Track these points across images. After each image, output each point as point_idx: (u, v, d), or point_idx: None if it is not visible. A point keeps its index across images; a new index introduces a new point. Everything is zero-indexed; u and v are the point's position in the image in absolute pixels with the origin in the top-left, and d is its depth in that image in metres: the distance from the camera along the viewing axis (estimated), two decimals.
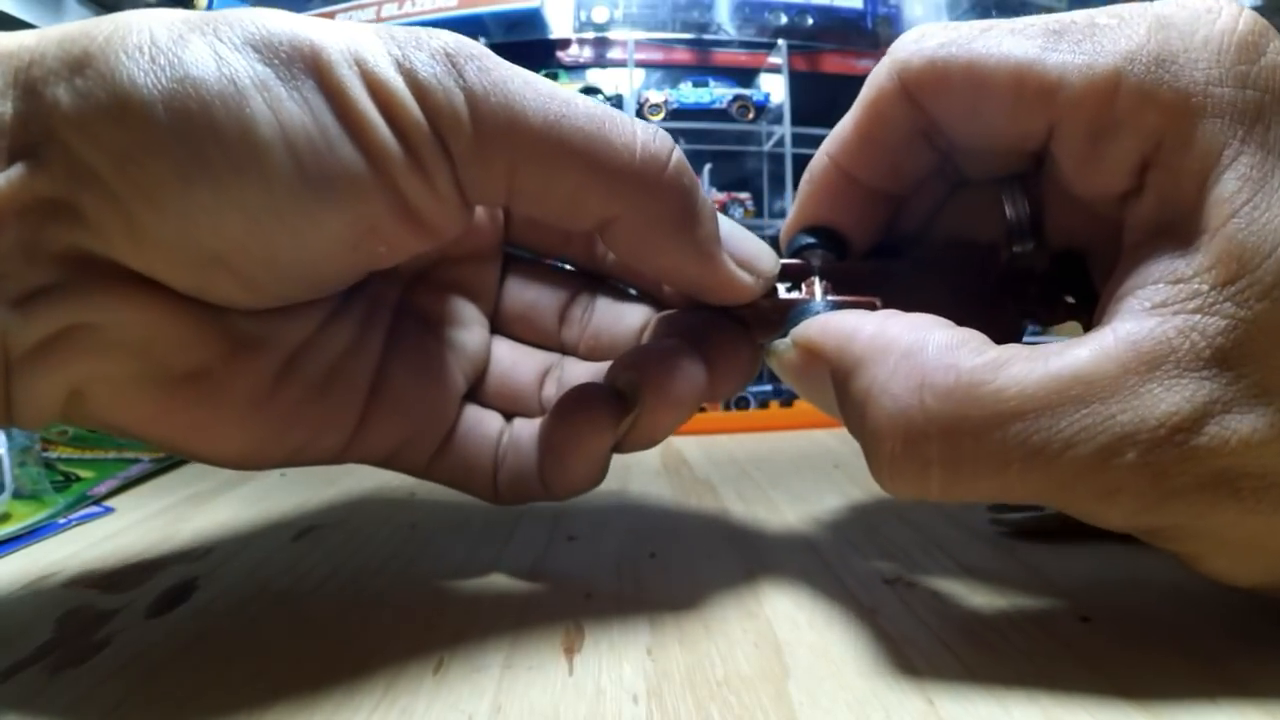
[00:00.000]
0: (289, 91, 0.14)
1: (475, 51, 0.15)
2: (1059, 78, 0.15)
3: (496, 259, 0.22)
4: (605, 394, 0.19)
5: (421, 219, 0.15)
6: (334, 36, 0.14)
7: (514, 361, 0.22)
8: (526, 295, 0.22)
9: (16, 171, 0.13)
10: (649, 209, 0.16)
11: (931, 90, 0.17)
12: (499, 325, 0.22)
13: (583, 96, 0.16)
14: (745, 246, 0.18)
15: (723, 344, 0.19)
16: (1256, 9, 0.15)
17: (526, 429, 0.20)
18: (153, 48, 0.13)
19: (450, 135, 0.14)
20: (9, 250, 0.13)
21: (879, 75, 0.17)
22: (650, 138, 0.16)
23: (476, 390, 0.21)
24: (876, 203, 0.19)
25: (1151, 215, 0.15)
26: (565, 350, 0.22)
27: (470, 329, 0.21)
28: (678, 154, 0.16)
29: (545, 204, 0.16)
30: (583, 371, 0.21)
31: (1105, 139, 0.15)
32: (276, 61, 0.14)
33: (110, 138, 0.13)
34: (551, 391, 0.21)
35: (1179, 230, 0.14)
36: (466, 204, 0.16)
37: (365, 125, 0.14)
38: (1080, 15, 0.15)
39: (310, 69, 0.14)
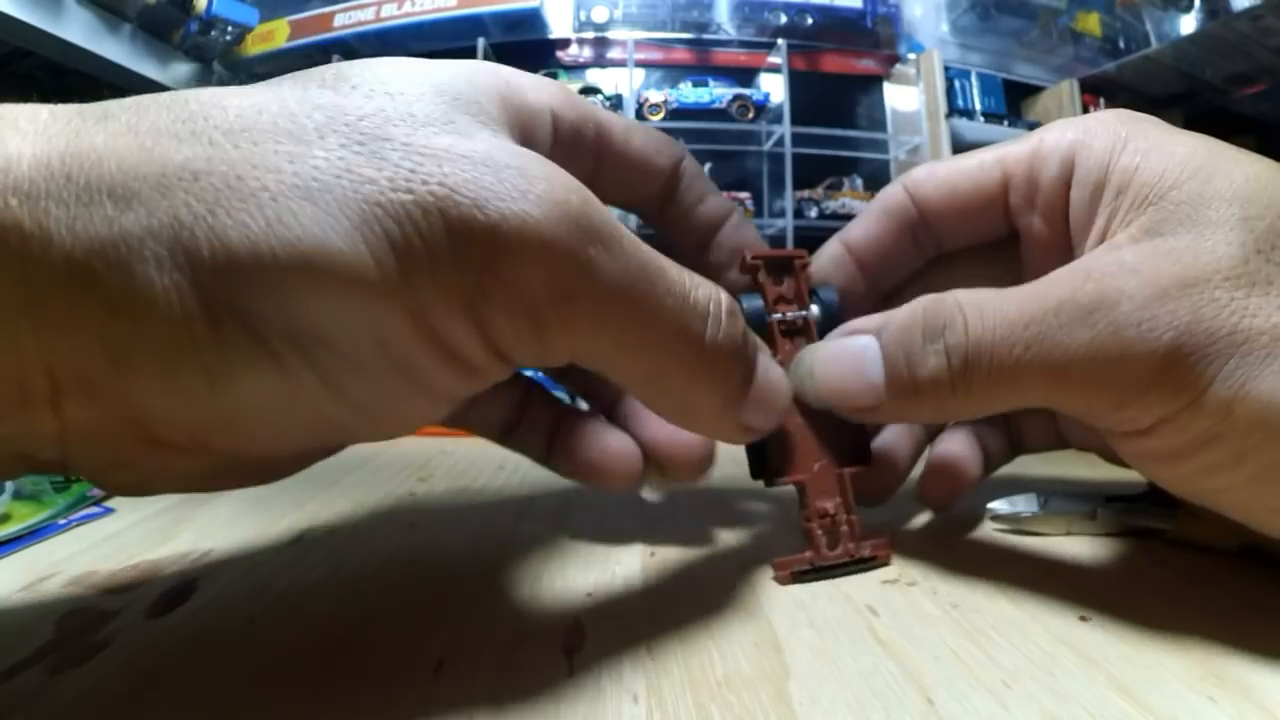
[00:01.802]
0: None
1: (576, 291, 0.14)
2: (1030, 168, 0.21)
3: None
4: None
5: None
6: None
7: None
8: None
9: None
10: (699, 383, 0.16)
11: (927, 187, 0.23)
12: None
13: (666, 270, 0.16)
14: (762, 413, 0.18)
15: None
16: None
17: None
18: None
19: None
20: None
21: (891, 187, 0.24)
22: (719, 320, 0.16)
23: None
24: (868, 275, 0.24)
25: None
26: None
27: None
28: (738, 329, 0.17)
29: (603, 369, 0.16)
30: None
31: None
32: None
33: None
34: None
35: None
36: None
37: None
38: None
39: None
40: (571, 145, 0.19)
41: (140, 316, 0.12)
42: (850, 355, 0.19)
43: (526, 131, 0.17)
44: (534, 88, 0.18)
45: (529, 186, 0.13)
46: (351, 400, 0.14)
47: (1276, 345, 0.15)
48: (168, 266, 0.12)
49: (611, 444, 0.21)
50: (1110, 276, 0.16)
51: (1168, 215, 0.17)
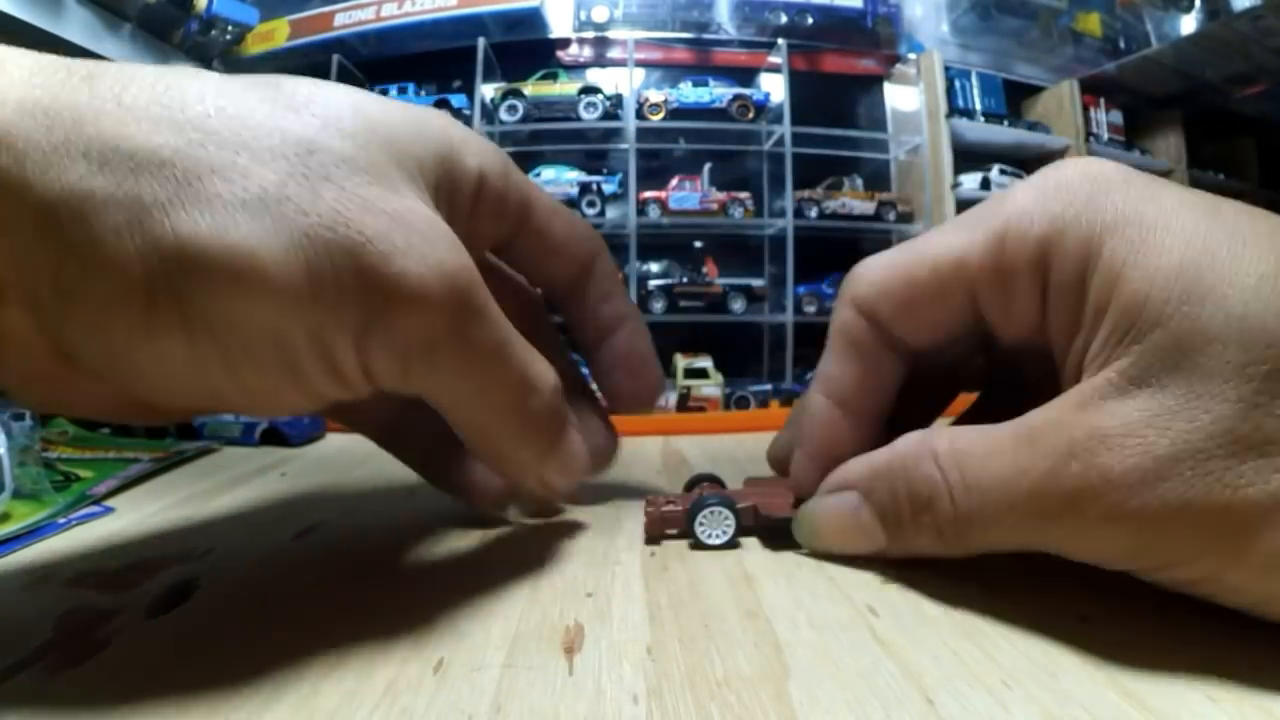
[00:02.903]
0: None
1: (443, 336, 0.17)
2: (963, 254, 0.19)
3: None
4: None
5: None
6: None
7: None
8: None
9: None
10: (516, 440, 0.20)
11: (881, 305, 0.20)
12: None
13: (514, 346, 0.19)
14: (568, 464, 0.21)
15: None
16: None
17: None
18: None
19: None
20: None
21: (840, 311, 0.21)
22: (543, 394, 0.19)
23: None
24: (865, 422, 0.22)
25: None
26: None
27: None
28: (557, 404, 0.20)
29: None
30: None
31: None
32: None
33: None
34: None
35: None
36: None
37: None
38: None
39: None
40: (494, 209, 0.21)
41: (90, 268, 0.14)
42: (846, 516, 0.20)
43: (451, 190, 0.19)
44: (473, 151, 0.20)
45: (430, 253, 0.16)
46: (241, 382, 0.16)
47: (1270, 514, 0.14)
48: (124, 234, 0.14)
49: (479, 473, 0.24)
50: (1093, 456, 0.15)
51: (1156, 361, 0.15)
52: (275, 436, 0.43)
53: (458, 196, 0.20)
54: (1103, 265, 0.16)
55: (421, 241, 0.16)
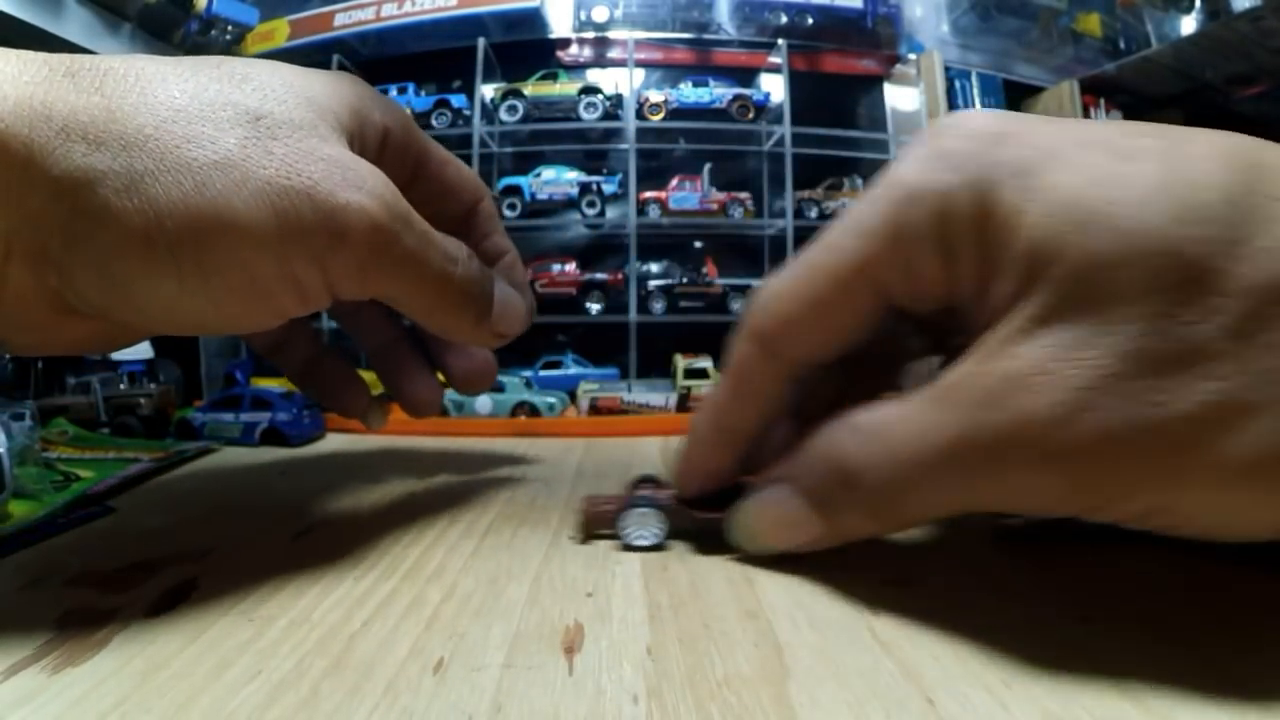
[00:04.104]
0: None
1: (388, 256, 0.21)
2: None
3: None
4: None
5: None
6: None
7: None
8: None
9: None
10: (455, 307, 0.24)
11: (782, 335, 0.20)
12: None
13: (434, 236, 0.22)
14: (507, 320, 0.26)
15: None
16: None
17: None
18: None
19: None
20: None
21: (739, 345, 0.21)
22: (463, 262, 0.23)
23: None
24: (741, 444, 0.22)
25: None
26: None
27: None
28: (476, 268, 0.24)
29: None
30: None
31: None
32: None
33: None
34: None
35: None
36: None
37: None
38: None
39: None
40: (396, 158, 0.25)
41: (99, 222, 0.17)
42: (777, 508, 0.20)
43: (363, 140, 0.23)
44: (380, 108, 0.24)
45: (363, 183, 0.20)
46: (221, 307, 0.19)
47: (1201, 423, 0.14)
48: (125, 196, 0.17)
49: (349, 380, 0.30)
50: (1009, 399, 0.15)
51: (1059, 297, 0.15)
52: (275, 436, 0.43)
53: (367, 145, 0.23)
54: (995, 220, 0.16)
55: (356, 178, 0.19)
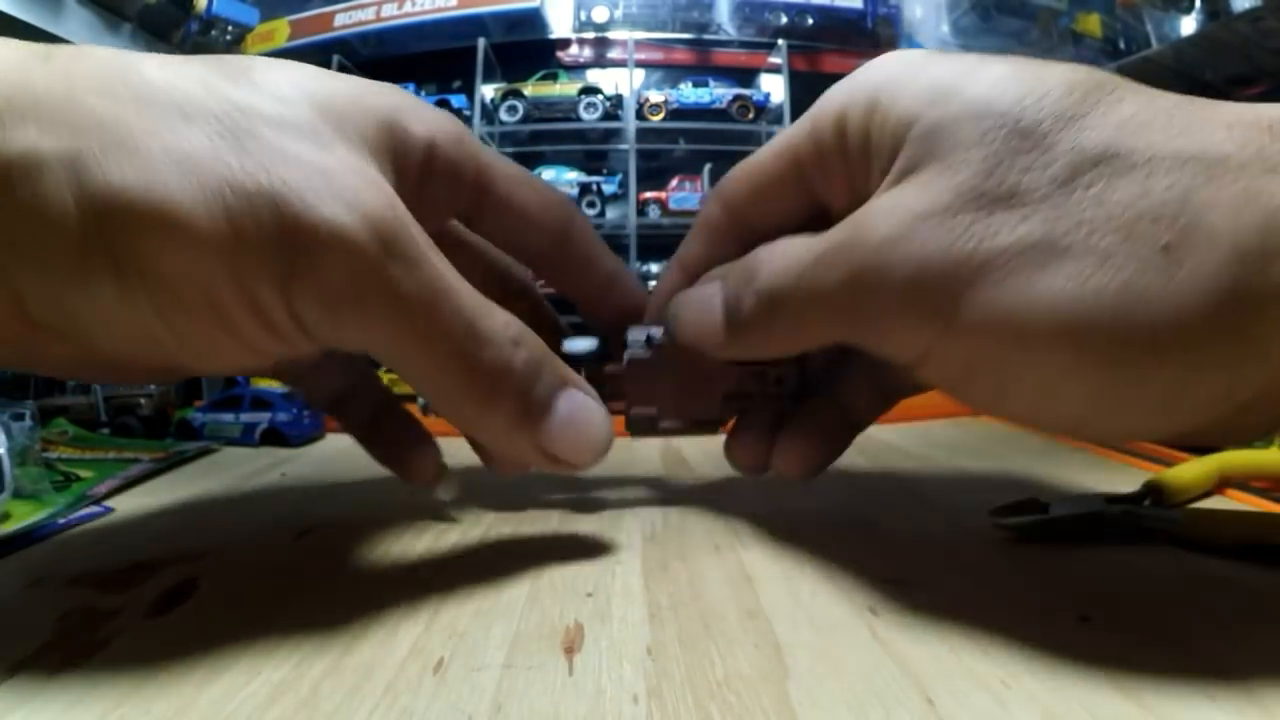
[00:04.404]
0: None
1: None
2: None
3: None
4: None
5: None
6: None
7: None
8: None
9: None
10: (473, 399, 0.19)
11: (736, 196, 0.24)
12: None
13: (459, 294, 0.18)
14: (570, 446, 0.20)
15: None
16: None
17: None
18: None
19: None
20: None
21: (708, 203, 0.26)
22: (498, 345, 0.18)
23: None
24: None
25: None
26: None
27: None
28: (519, 358, 0.18)
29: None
30: None
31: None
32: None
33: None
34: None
35: None
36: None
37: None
38: None
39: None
40: (447, 177, 0.21)
41: (35, 223, 0.15)
42: (702, 299, 0.22)
43: (396, 156, 0.19)
44: (422, 119, 0.20)
45: (350, 196, 0.16)
46: (174, 328, 0.16)
47: (1016, 259, 0.15)
48: (64, 188, 0.15)
49: (415, 443, 0.26)
50: (865, 220, 0.17)
51: (914, 152, 0.17)
52: (275, 436, 0.43)
53: (405, 162, 0.20)
54: (877, 113, 0.19)
55: (343, 187, 0.16)
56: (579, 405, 0.19)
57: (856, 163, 0.20)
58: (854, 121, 0.19)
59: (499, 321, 0.18)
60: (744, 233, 0.23)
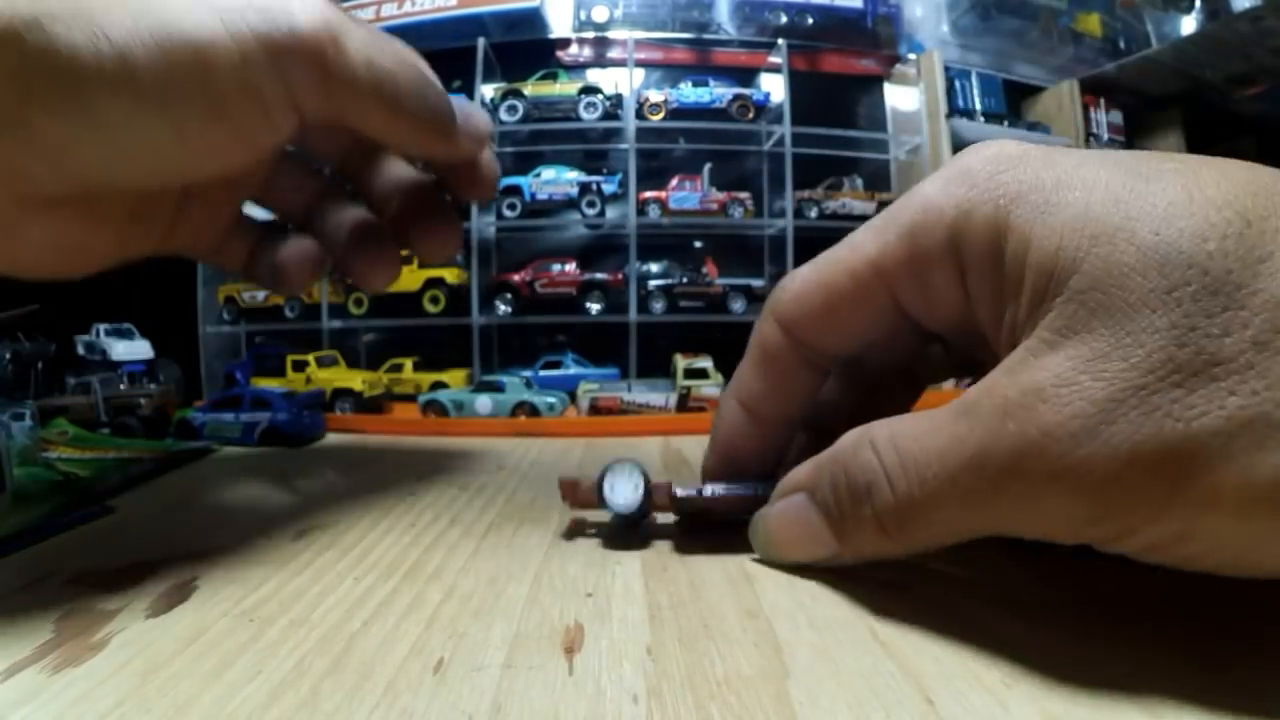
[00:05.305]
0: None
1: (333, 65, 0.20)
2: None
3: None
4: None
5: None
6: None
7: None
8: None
9: None
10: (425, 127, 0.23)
11: (802, 319, 0.21)
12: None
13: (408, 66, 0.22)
14: (474, 126, 0.25)
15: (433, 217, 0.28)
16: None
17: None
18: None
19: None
20: None
21: (762, 325, 0.22)
22: (449, 109, 0.24)
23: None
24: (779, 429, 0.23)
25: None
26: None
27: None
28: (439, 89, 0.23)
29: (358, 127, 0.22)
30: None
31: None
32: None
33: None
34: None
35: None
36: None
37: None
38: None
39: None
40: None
41: (52, 56, 0.17)
42: (794, 520, 0.20)
43: None
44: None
45: (314, 11, 0.20)
46: (184, 131, 0.19)
47: (1231, 442, 0.13)
48: (75, 28, 0.17)
49: (293, 250, 0.28)
50: (1029, 412, 0.15)
51: (1079, 310, 0.15)
52: (275, 436, 0.43)
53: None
54: (1012, 236, 0.16)
55: (306, 5, 0.20)
56: (467, 111, 0.25)
57: (980, 285, 0.17)
58: (975, 241, 0.17)
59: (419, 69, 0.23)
60: (810, 355, 0.21)
